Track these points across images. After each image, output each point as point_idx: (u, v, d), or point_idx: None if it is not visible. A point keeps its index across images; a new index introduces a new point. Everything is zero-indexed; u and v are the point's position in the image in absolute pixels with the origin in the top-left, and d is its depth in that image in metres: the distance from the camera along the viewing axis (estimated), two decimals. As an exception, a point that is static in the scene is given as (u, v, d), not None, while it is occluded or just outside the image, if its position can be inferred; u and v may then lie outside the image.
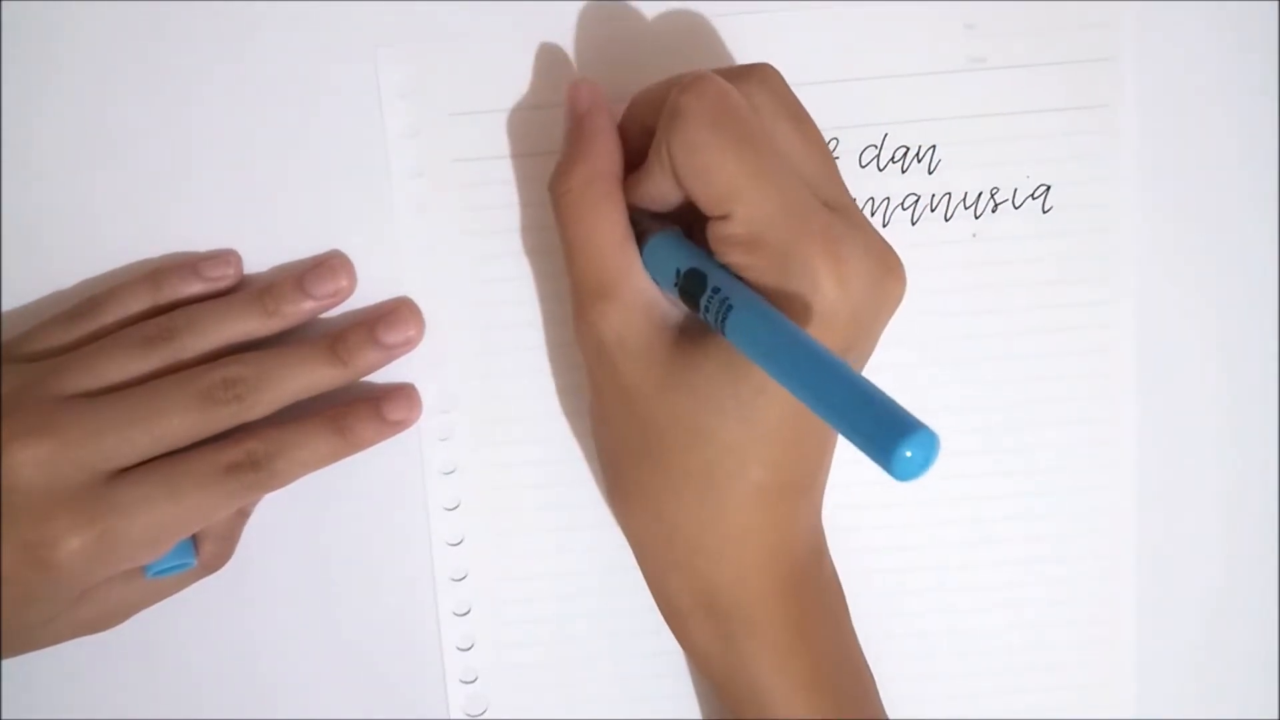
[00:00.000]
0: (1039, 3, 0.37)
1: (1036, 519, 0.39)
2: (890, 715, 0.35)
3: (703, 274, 0.30)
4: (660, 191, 0.32)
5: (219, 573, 0.38)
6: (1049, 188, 0.38)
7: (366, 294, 0.38)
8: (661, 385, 0.31)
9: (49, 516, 0.33)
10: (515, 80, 0.37)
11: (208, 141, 0.37)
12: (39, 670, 0.38)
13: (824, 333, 0.29)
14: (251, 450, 0.35)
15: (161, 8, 0.37)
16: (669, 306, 0.32)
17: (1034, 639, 0.40)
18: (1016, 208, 0.38)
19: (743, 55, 0.37)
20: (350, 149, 0.37)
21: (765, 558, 0.32)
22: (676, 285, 0.31)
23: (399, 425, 0.37)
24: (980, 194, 0.38)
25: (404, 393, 0.38)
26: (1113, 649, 0.40)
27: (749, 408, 0.30)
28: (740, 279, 0.30)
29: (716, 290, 0.29)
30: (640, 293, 0.32)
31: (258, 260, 0.38)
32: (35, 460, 0.33)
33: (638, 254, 0.32)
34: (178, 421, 0.34)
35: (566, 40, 0.37)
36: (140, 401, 0.34)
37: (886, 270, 0.30)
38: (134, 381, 0.34)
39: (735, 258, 0.30)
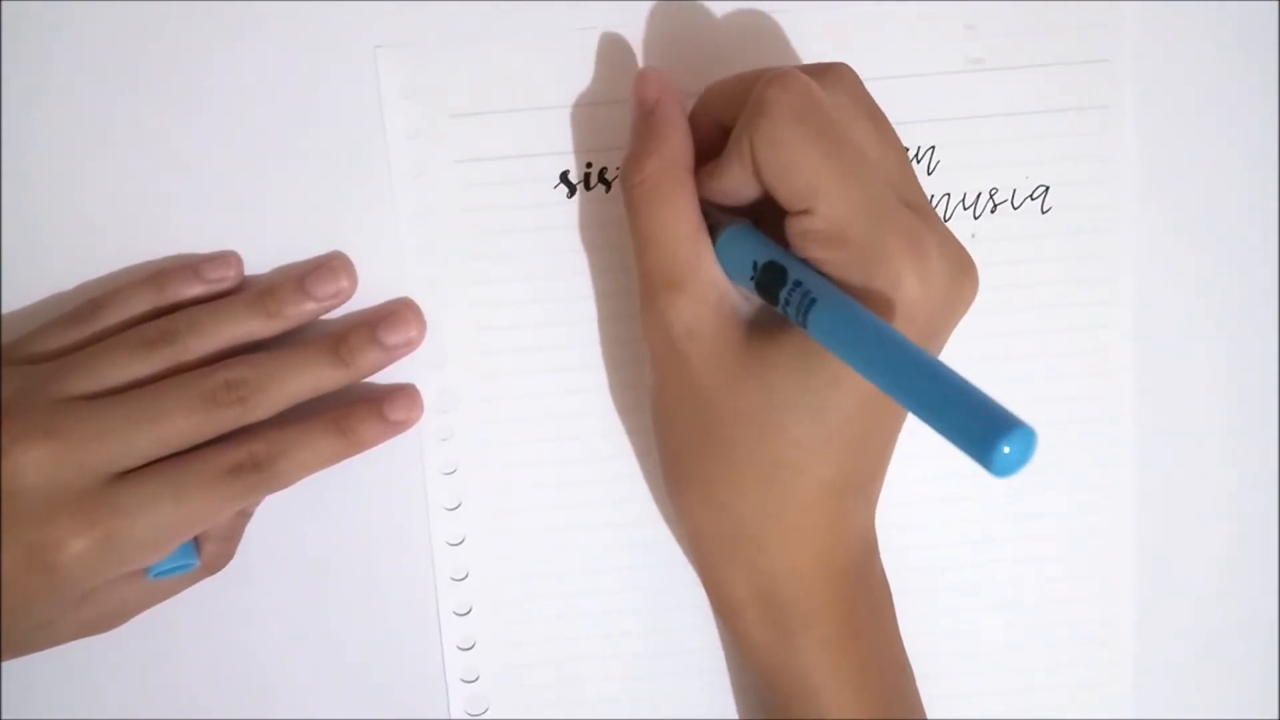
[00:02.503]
0: (1038, 3, 0.37)
1: (1036, 519, 0.39)
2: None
3: (782, 267, 0.30)
4: (736, 185, 0.31)
5: (220, 573, 0.38)
6: (1048, 188, 0.38)
7: (367, 295, 0.38)
8: (731, 378, 0.31)
9: (51, 519, 0.33)
10: (516, 81, 0.37)
11: (208, 142, 0.37)
12: (39, 670, 0.38)
13: (904, 330, 0.29)
14: (254, 451, 0.35)
15: (161, 8, 0.37)
16: (739, 299, 0.32)
17: (1033, 639, 0.40)
18: (1015, 208, 0.38)
19: (742, 56, 0.37)
20: (351, 150, 0.37)
21: (823, 554, 0.33)
22: (752, 279, 0.30)
23: (400, 425, 0.37)
24: (979, 195, 0.38)
25: (405, 393, 0.38)
26: (1111, 649, 0.40)
27: (820, 402, 0.30)
28: (820, 274, 0.30)
29: (798, 284, 0.29)
30: (712, 285, 0.32)
31: (259, 262, 0.38)
32: (37, 463, 0.33)
33: (710, 245, 0.32)
34: (180, 424, 0.34)
35: (567, 41, 0.37)
36: (143, 404, 0.34)
37: (963, 271, 0.30)
38: (136, 383, 0.34)
39: (816, 253, 0.30)
